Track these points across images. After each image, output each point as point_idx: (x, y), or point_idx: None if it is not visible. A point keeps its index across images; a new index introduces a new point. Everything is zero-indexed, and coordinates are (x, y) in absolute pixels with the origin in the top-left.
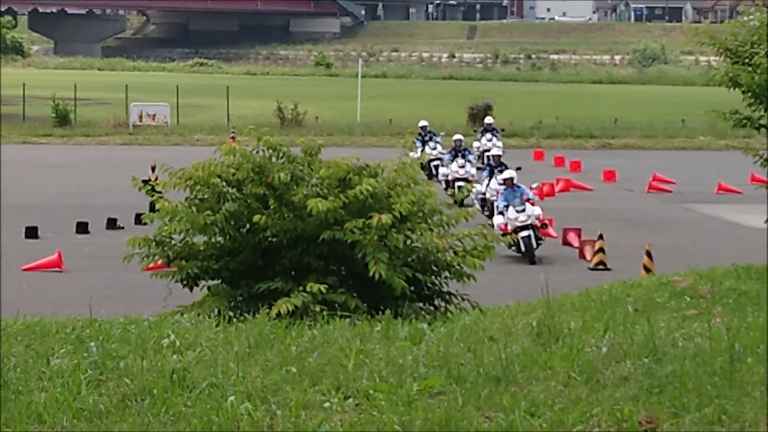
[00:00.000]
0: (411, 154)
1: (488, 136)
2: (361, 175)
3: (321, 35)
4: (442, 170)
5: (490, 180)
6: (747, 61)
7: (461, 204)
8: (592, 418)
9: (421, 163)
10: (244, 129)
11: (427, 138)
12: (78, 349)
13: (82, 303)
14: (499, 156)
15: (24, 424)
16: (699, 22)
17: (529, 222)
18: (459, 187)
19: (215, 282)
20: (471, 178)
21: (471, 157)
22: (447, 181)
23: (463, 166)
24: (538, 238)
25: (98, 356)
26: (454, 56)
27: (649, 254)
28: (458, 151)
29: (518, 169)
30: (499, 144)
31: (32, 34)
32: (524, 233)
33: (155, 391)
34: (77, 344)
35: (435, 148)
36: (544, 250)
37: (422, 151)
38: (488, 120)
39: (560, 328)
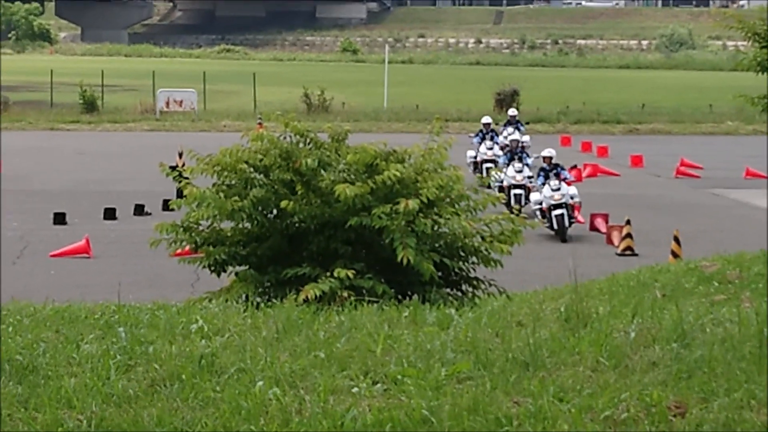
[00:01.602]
0: (469, 153)
1: (510, 129)
2: (389, 160)
3: (347, 21)
4: (533, 196)
5: (544, 185)
6: None
7: (564, 238)
8: (620, 403)
9: (474, 163)
10: (272, 115)
11: (487, 136)
12: (107, 334)
13: (110, 289)
14: (551, 158)
15: (53, 408)
16: (727, 6)
17: (563, 201)
18: (516, 195)
19: (243, 268)
20: (530, 185)
21: (529, 161)
22: (501, 188)
23: (520, 171)
24: (570, 217)
25: (127, 341)
26: (480, 42)
27: (676, 239)
28: (514, 154)
29: (574, 166)
30: (526, 138)
31: (59, 20)
32: (558, 211)
33: (184, 376)
34: (106, 330)
35: (491, 148)
36: (572, 235)
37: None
38: (512, 112)
39: (588, 313)
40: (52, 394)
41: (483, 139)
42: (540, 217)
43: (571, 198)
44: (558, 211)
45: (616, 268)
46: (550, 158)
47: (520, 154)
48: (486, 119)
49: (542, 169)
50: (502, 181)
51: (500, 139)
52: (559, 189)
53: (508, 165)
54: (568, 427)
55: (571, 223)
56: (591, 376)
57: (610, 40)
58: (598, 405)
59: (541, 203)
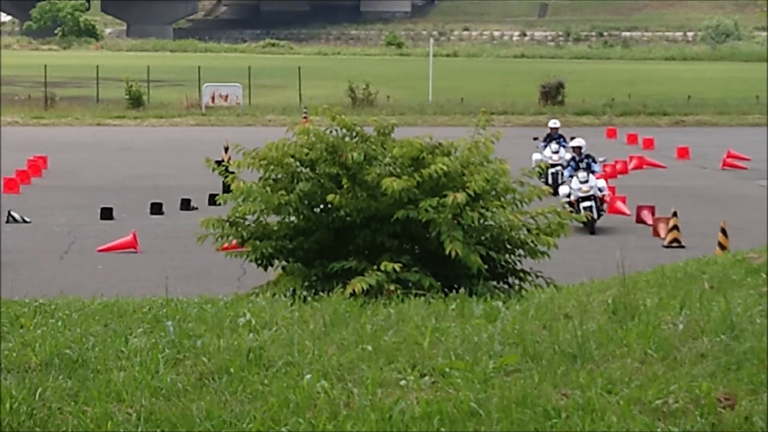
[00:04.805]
0: (535, 156)
1: (554, 146)
2: (434, 153)
3: (392, 15)
4: (562, 189)
5: (572, 177)
6: None
7: (593, 230)
8: (669, 395)
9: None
10: (318, 109)
11: (582, 163)
12: (155, 328)
13: (158, 283)
14: (581, 148)
15: (103, 402)
16: None
17: (591, 193)
18: (586, 208)
19: (289, 262)
20: (600, 195)
21: (596, 167)
22: (570, 203)
23: (585, 181)
24: (599, 210)
25: (175, 335)
26: (525, 34)
27: (723, 231)
28: (579, 161)
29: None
30: (567, 156)
31: (105, 16)
32: (586, 204)
33: (232, 370)
34: (154, 324)
35: (557, 152)
36: (619, 227)
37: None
38: (553, 123)
39: (636, 305)
40: (102, 387)
41: (578, 168)
42: (568, 209)
43: (600, 191)
44: (586, 204)
45: (663, 260)
46: (580, 148)
47: (587, 161)
48: (554, 123)
49: (572, 159)
50: (569, 195)
51: (536, 157)
52: (587, 181)
53: (572, 177)
54: (616, 419)
55: (600, 216)
56: (639, 368)
57: (656, 32)
58: (646, 397)
59: (569, 195)
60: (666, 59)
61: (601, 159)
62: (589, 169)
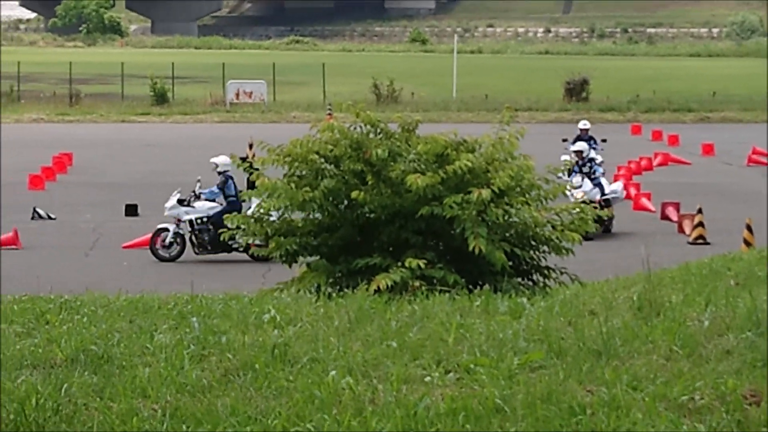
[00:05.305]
0: (563, 158)
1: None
2: (459, 150)
3: (416, 11)
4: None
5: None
6: None
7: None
8: (695, 392)
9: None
10: (342, 105)
11: (584, 168)
12: (180, 324)
13: (182, 280)
14: (582, 152)
15: (128, 398)
16: None
17: (585, 198)
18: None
19: (314, 258)
20: (597, 198)
21: (599, 170)
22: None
23: (579, 187)
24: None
25: (200, 331)
26: (549, 31)
27: (749, 228)
28: (582, 166)
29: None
30: (598, 158)
31: (130, 13)
32: None
33: (257, 366)
34: (179, 320)
35: None
36: (644, 224)
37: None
38: (583, 125)
39: (661, 301)
40: (127, 383)
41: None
42: None
43: (601, 195)
44: None
45: (688, 256)
46: (581, 152)
47: (590, 165)
48: (584, 124)
49: (576, 163)
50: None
51: (564, 158)
52: (580, 186)
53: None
54: (642, 415)
55: (601, 222)
56: (665, 364)
57: (681, 29)
58: (672, 393)
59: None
60: (691, 56)
61: (599, 161)
62: (589, 174)
